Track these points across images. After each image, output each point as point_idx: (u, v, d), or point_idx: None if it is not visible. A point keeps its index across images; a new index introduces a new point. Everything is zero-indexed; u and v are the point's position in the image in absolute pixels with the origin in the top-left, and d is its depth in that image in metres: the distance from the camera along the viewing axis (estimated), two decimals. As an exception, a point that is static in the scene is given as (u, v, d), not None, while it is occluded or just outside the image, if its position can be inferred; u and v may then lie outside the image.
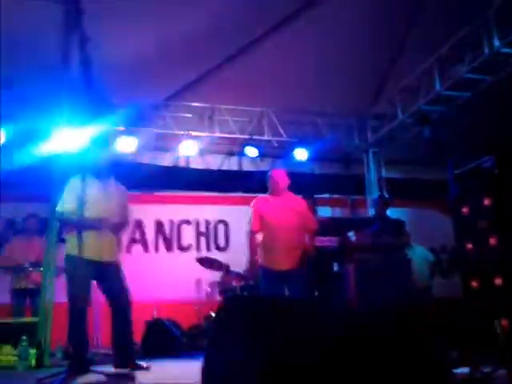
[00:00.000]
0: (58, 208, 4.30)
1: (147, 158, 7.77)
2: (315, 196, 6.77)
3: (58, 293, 5.93)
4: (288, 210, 4.84)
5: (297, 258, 4.75)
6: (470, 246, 4.98)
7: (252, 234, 4.86)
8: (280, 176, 4.95)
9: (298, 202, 4.98)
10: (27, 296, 6.04)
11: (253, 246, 4.85)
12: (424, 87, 6.41)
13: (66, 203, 4.27)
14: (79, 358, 4.04)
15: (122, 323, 4.32)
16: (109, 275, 4.33)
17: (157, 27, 5.86)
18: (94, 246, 4.17)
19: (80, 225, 4.17)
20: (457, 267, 6.46)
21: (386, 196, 7.33)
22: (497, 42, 5.28)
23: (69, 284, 4.15)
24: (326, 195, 8.45)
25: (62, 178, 4.77)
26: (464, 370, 3.41)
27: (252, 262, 4.87)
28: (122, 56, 6.07)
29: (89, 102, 6.31)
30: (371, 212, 7.71)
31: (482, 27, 5.39)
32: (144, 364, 4.32)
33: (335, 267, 5.79)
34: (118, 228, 4.50)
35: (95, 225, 4.22)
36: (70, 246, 4.24)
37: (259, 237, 4.85)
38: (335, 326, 2.23)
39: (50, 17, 5.20)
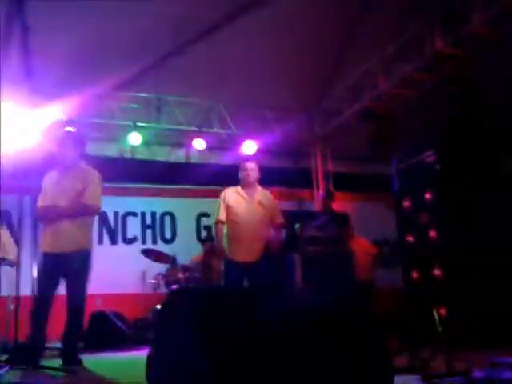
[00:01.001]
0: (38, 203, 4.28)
1: (92, 149, 7.55)
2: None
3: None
4: (255, 203, 4.87)
5: (259, 251, 4.77)
6: (410, 238, 5.17)
7: (218, 223, 4.86)
8: (251, 168, 4.94)
9: (266, 196, 5.00)
10: None
11: (219, 236, 4.85)
12: (369, 84, 6.56)
13: (40, 198, 4.27)
14: (32, 351, 3.98)
15: (73, 317, 4.23)
16: (70, 266, 4.21)
17: (103, 17, 5.72)
18: (55, 238, 4.14)
19: (40, 217, 4.24)
20: (398, 259, 6.68)
21: (332, 190, 7.48)
22: (439, 43, 5.45)
23: (38, 279, 4.14)
24: (274, 188, 8.50)
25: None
26: (403, 357, 3.52)
27: (218, 251, 4.89)
28: (67, 46, 5.89)
29: (29, 92, 6.12)
30: (317, 206, 7.85)
31: (426, 27, 5.55)
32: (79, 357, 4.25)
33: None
34: (78, 212, 4.25)
35: (46, 213, 4.16)
36: (40, 242, 4.23)
37: (223, 227, 4.85)
38: (273, 316, 2.25)
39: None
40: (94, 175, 4.44)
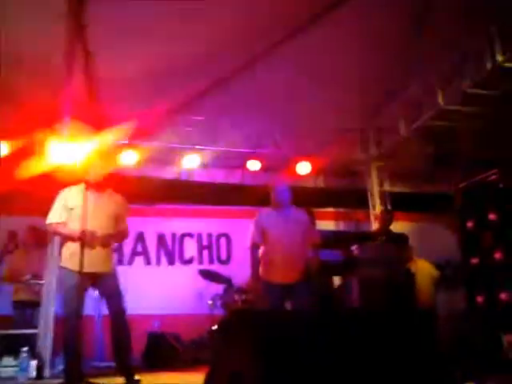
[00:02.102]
0: (48, 219, 4.29)
1: (150, 172, 7.77)
2: (314, 209, 6.75)
3: (59, 305, 5.96)
4: (291, 223, 4.81)
5: (299, 272, 4.70)
6: (475, 260, 4.96)
7: (252, 247, 4.82)
8: (282, 189, 4.93)
9: (301, 216, 4.96)
10: (28, 308, 6.01)
11: (253, 260, 4.80)
12: (427, 102, 6.40)
13: (56, 215, 4.26)
14: (71, 369, 4.03)
15: (121, 334, 4.29)
16: (108, 286, 4.33)
17: (160, 42, 5.87)
18: (89, 259, 4.11)
19: (68, 237, 4.22)
20: (461, 282, 6.42)
21: (390, 210, 7.31)
22: (499, 57, 5.28)
23: (62, 296, 4.17)
24: (330, 209, 8.44)
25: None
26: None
27: (254, 275, 4.82)
28: (125, 70, 6.07)
29: (91, 115, 6.35)
30: (374, 226, 7.68)
31: (485, 41, 5.39)
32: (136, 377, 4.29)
33: (336, 281, 5.77)
34: (110, 239, 4.42)
35: (91, 239, 4.15)
36: (63, 259, 4.26)
37: (260, 250, 4.82)
38: (338, 335, 2.20)
39: (55, 32, 5.19)
40: (125, 200, 4.61)
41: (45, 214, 5.09)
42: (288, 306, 4.79)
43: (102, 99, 6.35)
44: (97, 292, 4.47)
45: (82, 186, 4.33)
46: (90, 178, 4.39)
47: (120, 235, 4.55)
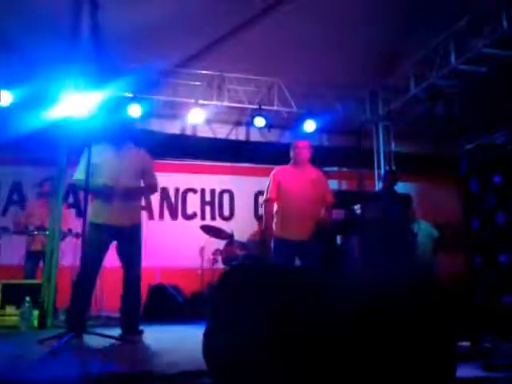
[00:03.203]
0: (76, 176, 4.34)
1: (154, 125, 7.72)
2: (324, 169, 6.73)
3: (64, 256, 6.06)
4: (307, 181, 4.81)
5: (310, 230, 4.71)
6: (476, 222, 4.97)
7: (268, 201, 4.83)
8: (303, 147, 4.90)
9: (318, 175, 4.96)
10: (40, 258, 6.10)
11: (268, 214, 4.83)
12: (439, 61, 6.27)
13: (81, 171, 4.29)
14: (78, 317, 4.10)
15: (132, 289, 4.38)
16: (124, 240, 4.38)
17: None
18: (108, 212, 4.24)
19: (96, 192, 4.28)
20: (461, 244, 6.44)
21: (394, 170, 7.27)
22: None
23: (85, 248, 4.17)
24: (334, 168, 8.41)
25: (75, 143, 4.81)
26: (465, 344, 3.40)
27: (267, 229, 4.84)
28: (132, 23, 5.96)
29: (98, 68, 6.27)
30: (379, 186, 7.66)
31: (502, 1, 5.23)
32: (140, 328, 4.42)
33: (338, 240, 5.79)
34: (138, 192, 4.53)
35: (110, 191, 4.23)
36: (91, 213, 4.31)
37: (274, 206, 4.84)
38: (341, 297, 2.21)
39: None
40: (148, 155, 4.63)
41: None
42: (297, 261, 4.82)
43: (109, 51, 6.27)
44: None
45: (104, 144, 4.41)
46: (113, 134, 4.47)
47: (146, 189, 4.62)
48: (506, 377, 2.73)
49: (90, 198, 4.22)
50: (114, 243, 4.43)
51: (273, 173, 4.91)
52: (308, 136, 7.54)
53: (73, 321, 4.07)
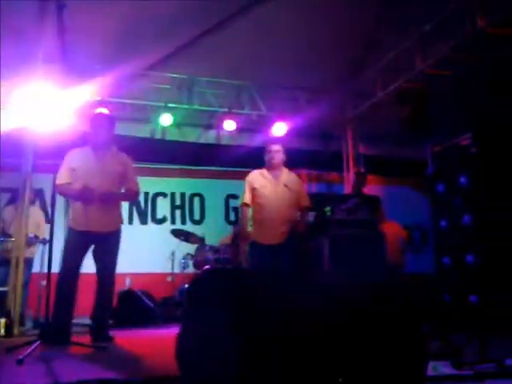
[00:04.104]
0: (57, 181, 4.24)
1: (123, 129, 7.62)
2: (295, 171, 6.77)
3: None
4: (281, 185, 4.84)
5: (285, 233, 4.76)
6: (444, 223, 5.06)
7: (243, 206, 4.86)
8: (276, 150, 4.91)
9: (293, 178, 4.97)
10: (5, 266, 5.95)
11: (243, 219, 4.86)
12: (405, 65, 6.38)
13: (62, 176, 4.25)
14: (60, 328, 4.02)
15: (104, 296, 4.32)
16: (102, 246, 4.31)
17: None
18: (87, 218, 4.17)
19: (75, 197, 4.24)
20: (428, 244, 6.55)
21: (363, 172, 7.36)
22: (480, 22, 5.26)
23: (63, 255, 4.14)
24: (304, 170, 8.46)
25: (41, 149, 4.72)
26: (435, 342, 3.46)
27: (243, 234, 4.86)
28: (100, 25, 5.90)
29: (64, 70, 6.15)
30: (347, 188, 7.75)
31: (466, 6, 5.35)
32: (110, 335, 4.37)
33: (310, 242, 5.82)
34: (119, 198, 4.48)
35: (90, 196, 4.16)
36: (70, 219, 4.30)
37: (249, 210, 4.86)
38: (309, 298, 2.22)
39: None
40: (130, 159, 4.57)
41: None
42: (272, 265, 4.84)
43: (75, 55, 6.17)
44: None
45: (86, 148, 4.37)
46: (96, 138, 4.40)
47: (127, 194, 4.54)
48: (474, 374, 2.79)
49: (69, 202, 4.18)
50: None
51: (247, 177, 4.92)
52: (277, 139, 7.58)
53: (57, 331, 3.97)
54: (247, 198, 4.83)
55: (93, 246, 4.34)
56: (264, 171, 4.93)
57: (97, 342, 4.15)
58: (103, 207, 4.25)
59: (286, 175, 4.94)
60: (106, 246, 4.33)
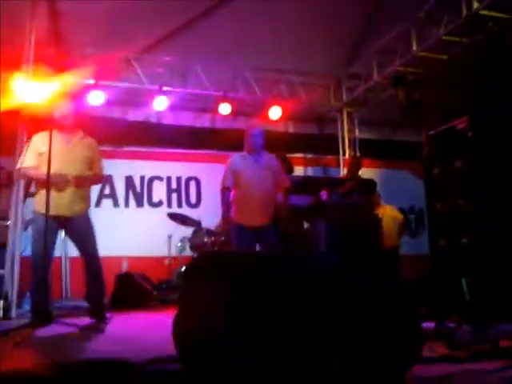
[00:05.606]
0: (19, 164, 4.22)
1: (118, 113, 7.59)
2: (288, 155, 6.79)
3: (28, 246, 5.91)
4: (262, 167, 4.88)
5: (269, 215, 4.81)
6: (439, 206, 5.08)
7: (224, 190, 4.88)
8: (257, 134, 4.93)
9: (272, 161, 5.01)
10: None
11: (224, 202, 4.86)
12: (401, 49, 6.37)
13: (27, 159, 4.23)
14: (39, 310, 4.07)
15: (92, 276, 4.33)
16: (76, 229, 4.31)
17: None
18: (58, 202, 4.13)
19: (37, 180, 4.23)
20: (423, 227, 6.58)
21: (359, 156, 7.38)
22: (475, 4, 5.24)
23: (33, 239, 4.14)
24: (300, 154, 8.47)
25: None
26: (429, 324, 3.50)
27: (225, 218, 4.88)
28: (93, 9, 5.83)
29: (57, 54, 6.11)
30: (343, 172, 7.77)
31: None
32: (108, 316, 4.42)
33: (305, 225, 5.85)
34: (87, 181, 4.43)
35: (56, 180, 4.11)
36: (35, 203, 4.25)
37: (231, 193, 4.87)
38: (304, 277, 2.24)
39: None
40: (96, 143, 4.55)
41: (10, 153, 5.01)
42: (257, 247, 4.88)
43: (69, 39, 6.12)
44: (63, 234, 4.46)
45: (53, 131, 4.21)
46: (57, 117, 4.30)
47: (93, 178, 4.51)
48: (469, 355, 2.83)
49: (35, 187, 4.14)
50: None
51: (228, 161, 4.94)
52: (273, 123, 7.58)
53: (37, 312, 4.02)
54: (228, 181, 4.86)
55: (63, 230, 4.34)
56: (245, 154, 4.96)
57: (94, 323, 4.18)
58: (74, 191, 4.25)
59: (266, 157, 4.97)
60: (78, 228, 4.32)
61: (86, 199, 4.48)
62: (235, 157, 4.99)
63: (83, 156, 4.37)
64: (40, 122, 4.48)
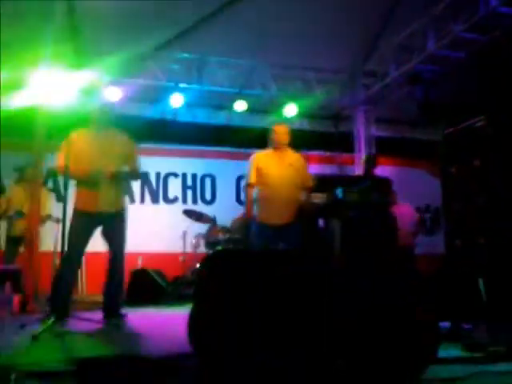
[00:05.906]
0: (58, 163, 4.25)
1: (134, 110, 7.63)
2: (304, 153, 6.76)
3: (45, 242, 6.00)
4: (287, 165, 4.84)
5: (291, 213, 4.76)
6: (456, 205, 5.04)
7: (248, 186, 4.86)
8: (282, 131, 4.91)
9: (297, 159, 4.98)
10: (20, 244, 6.02)
11: (248, 199, 4.85)
12: (417, 46, 6.31)
13: (65, 158, 4.19)
14: (59, 304, 4.08)
15: (115, 273, 4.36)
16: (113, 226, 4.34)
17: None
18: (98, 199, 4.18)
19: (79, 179, 4.23)
20: (439, 226, 6.52)
21: (374, 154, 7.33)
22: (494, 2, 5.18)
23: (71, 235, 4.13)
24: (315, 152, 8.45)
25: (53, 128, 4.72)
26: (445, 325, 3.47)
27: (248, 214, 4.86)
28: (110, 5, 5.87)
29: (74, 51, 6.15)
30: (359, 170, 7.72)
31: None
32: (123, 312, 4.41)
33: (320, 223, 5.83)
34: (123, 178, 4.45)
35: (94, 177, 4.16)
36: (76, 201, 4.28)
37: (254, 190, 4.86)
38: (320, 279, 2.24)
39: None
40: (132, 141, 4.55)
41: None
42: (280, 246, 4.85)
43: (86, 36, 6.16)
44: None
45: (88, 129, 4.35)
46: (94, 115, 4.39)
47: (130, 175, 4.54)
48: (486, 356, 2.80)
49: (74, 184, 4.18)
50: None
51: (252, 158, 4.91)
52: (288, 120, 7.56)
53: (57, 307, 4.05)
54: (252, 178, 4.83)
55: (101, 227, 4.38)
56: (269, 151, 4.94)
57: (109, 319, 4.21)
58: (110, 188, 4.27)
59: (291, 156, 4.94)
60: (115, 224, 4.35)
61: (122, 196, 4.49)
62: (259, 153, 4.96)
63: (117, 152, 4.39)
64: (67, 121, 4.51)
